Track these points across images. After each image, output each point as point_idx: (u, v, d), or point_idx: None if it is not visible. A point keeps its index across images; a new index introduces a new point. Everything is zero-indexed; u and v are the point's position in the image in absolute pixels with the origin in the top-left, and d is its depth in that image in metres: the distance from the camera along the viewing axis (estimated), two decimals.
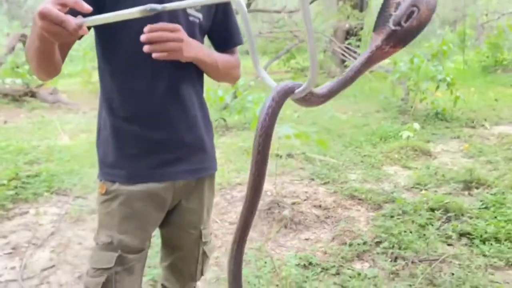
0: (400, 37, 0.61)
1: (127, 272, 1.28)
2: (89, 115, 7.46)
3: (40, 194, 3.58)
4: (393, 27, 0.60)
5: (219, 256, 2.67)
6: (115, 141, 1.28)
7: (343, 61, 10.20)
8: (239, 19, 0.79)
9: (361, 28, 11.37)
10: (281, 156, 4.42)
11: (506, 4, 16.25)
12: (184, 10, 1.25)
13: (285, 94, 0.70)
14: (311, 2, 11.62)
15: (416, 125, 4.81)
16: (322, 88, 0.73)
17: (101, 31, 1.23)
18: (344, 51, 9.21)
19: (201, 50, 1.25)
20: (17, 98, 8.24)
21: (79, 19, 0.90)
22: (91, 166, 4.24)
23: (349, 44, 10.04)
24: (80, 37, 1.07)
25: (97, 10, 1.17)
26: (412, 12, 0.59)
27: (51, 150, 4.83)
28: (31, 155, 4.55)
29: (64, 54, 1.20)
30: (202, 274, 1.50)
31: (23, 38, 9.53)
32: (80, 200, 3.51)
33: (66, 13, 0.91)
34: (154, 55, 1.12)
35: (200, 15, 1.30)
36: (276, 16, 13.62)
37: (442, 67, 6.41)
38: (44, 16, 0.88)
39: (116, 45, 1.24)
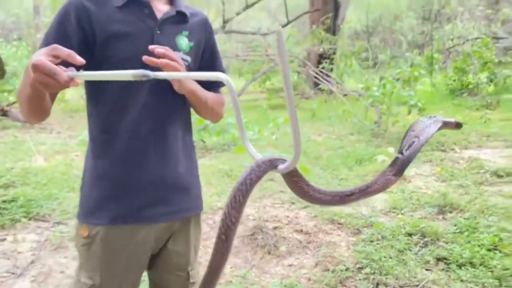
0: (400, 164, 0.67)
1: None
2: (64, 135, 7.35)
3: (17, 220, 3.50)
4: (396, 155, 0.67)
5: None
6: (97, 183, 1.30)
7: (317, 84, 10.42)
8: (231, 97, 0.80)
9: (334, 53, 11.64)
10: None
11: (470, 29, 16.99)
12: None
13: (267, 167, 0.75)
14: (284, 26, 11.85)
15: (391, 149, 4.97)
16: (332, 191, 0.78)
17: None
18: (318, 74, 9.42)
19: (194, 84, 1.32)
20: None
21: (71, 72, 0.92)
22: (69, 190, 4.19)
23: (322, 68, 10.28)
24: None
25: (87, 49, 1.21)
26: (413, 142, 0.67)
27: (27, 173, 4.72)
28: (6, 178, 4.44)
29: (53, 98, 1.23)
30: None
31: None
32: (60, 226, 3.45)
33: (58, 63, 0.93)
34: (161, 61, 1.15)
35: (189, 58, 1.35)
36: (250, 36, 13.82)
37: (414, 93, 6.65)
38: (37, 68, 0.91)
39: (104, 87, 1.26)
